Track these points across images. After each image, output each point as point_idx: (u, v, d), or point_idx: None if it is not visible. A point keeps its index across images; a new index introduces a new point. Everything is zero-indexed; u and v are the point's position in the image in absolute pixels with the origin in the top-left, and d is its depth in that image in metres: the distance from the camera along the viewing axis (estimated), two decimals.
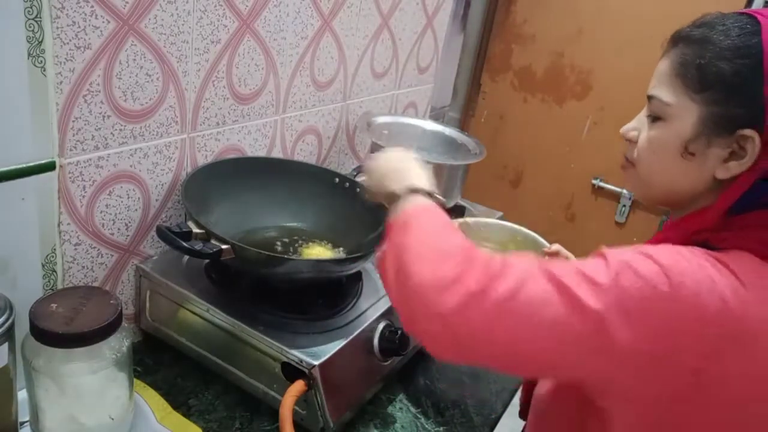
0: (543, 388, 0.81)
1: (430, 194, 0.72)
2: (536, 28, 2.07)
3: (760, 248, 0.61)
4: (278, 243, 1.02)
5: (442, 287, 0.59)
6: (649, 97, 0.68)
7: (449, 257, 0.62)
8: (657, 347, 0.56)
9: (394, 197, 0.72)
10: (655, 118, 0.68)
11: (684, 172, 0.66)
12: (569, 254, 0.95)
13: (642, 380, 0.59)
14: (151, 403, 0.85)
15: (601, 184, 2.05)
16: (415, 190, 0.71)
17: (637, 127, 0.71)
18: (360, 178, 0.83)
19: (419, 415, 0.94)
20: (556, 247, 0.96)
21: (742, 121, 0.61)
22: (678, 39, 0.66)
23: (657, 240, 0.69)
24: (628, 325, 0.56)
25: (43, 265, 0.81)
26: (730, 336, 0.56)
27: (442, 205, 0.71)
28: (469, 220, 1.07)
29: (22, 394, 0.75)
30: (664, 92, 0.66)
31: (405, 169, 0.77)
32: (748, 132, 0.61)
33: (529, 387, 0.89)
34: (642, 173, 0.71)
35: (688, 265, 0.57)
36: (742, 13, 0.64)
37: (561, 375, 0.65)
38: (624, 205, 2.03)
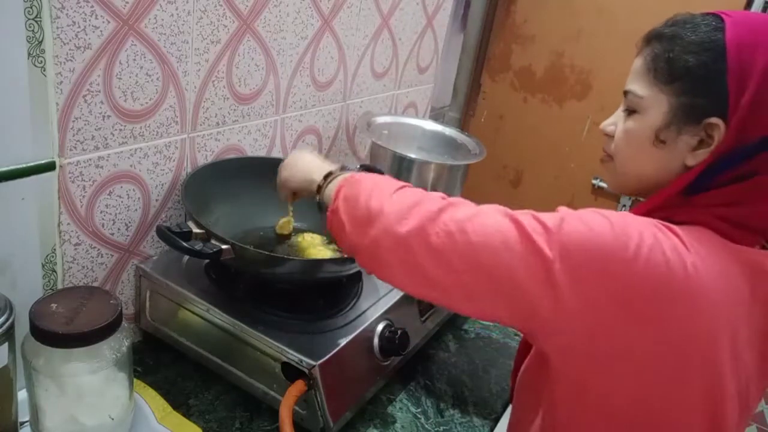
0: (522, 371, 0.83)
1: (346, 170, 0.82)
2: (536, 28, 2.06)
3: (717, 223, 0.64)
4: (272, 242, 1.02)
5: (402, 212, 0.67)
6: (625, 93, 0.73)
7: (406, 190, 0.72)
8: (590, 286, 0.59)
9: (313, 183, 0.83)
10: (630, 112, 0.72)
11: (655, 160, 0.70)
12: None
13: (577, 327, 0.61)
14: (151, 403, 0.85)
15: (601, 184, 2.05)
16: (332, 173, 0.82)
17: (615, 122, 0.76)
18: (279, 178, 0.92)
19: (419, 415, 0.94)
20: None
21: (708, 111, 0.65)
22: (651, 37, 0.71)
23: None
24: (569, 269, 0.59)
25: (43, 265, 0.81)
26: (667, 290, 0.58)
27: None
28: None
29: (22, 394, 0.75)
30: (638, 86, 0.71)
31: (313, 162, 0.87)
32: (714, 120, 0.64)
33: (516, 371, 0.90)
34: (618, 164, 0.75)
35: (635, 223, 0.61)
36: (709, 13, 0.68)
37: (503, 307, 0.65)
38: (624, 205, 2.03)
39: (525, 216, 0.64)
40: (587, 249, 0.59)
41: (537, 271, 0.60)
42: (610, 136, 0.76)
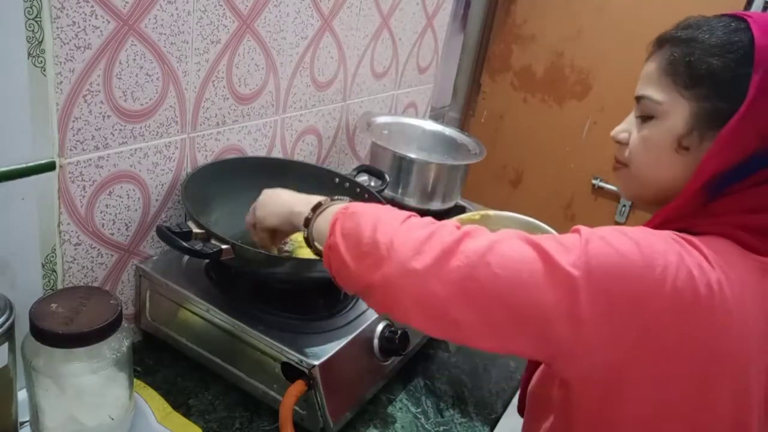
0: (534, 383, 0.82)
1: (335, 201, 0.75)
2: (536, 28, 2.06)
3: (737, 233, 0.62)
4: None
5: (416, 246, 0.61)
6: (639, 98, 0.71)
7: (413, 220, 0.65)
8: (619, 314, 0.57)
9: (298, 215, 0.75)
10: (645, 118, 0.70)
11: (677, 167, 0.68)
12: None
13: (600, 355, 0.59)
14: (151, 403, 0.85)
15: (601, 184, 2.05)
16: (321, 204, 0.74)
17: (627, 128, 0.73)
18: (248, 217, 0.86)
19: (419, 415, 0.94)
20: None
21: (731, 115, 0.62)
22: (664, 41, 0.69)
23: None
24: (595, 295, 0.57)
25: (43, 265, 0.81)
26: (693, 311, 0.57)
27: None
28: (490, 212, 1.04)
29: (22, 394, 0.75)
30: (654, 91, 0.68)
31: (293, 196, 0.81)
32: None
33: (527, 383, 0.89)
34: (635, 172, 0.72)
35: (658, 241, 0.59)
36: (723, 15, 0.66)
37: (525, 341, 0.63)
38: (624, 205, 2.03)
39: (547, 241, 0.60)
40: (614, 274, 0.57)
41: (562, 299, 0.57)
42: (623, 144, 0.73)
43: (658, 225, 0.66)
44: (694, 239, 0.60)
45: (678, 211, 0.66)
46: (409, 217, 0.67)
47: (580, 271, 0.57)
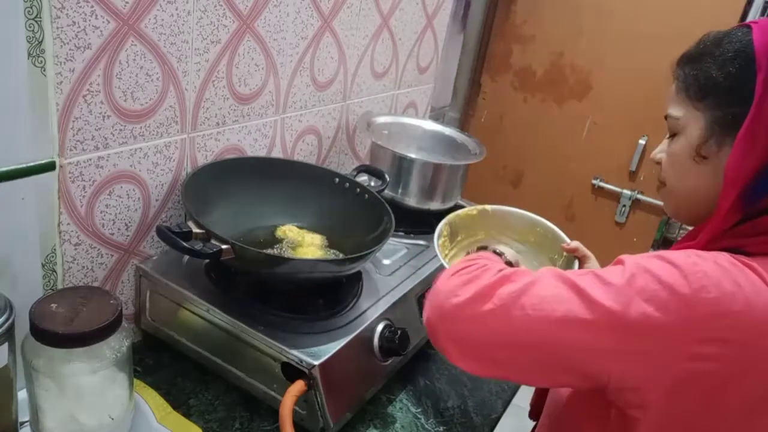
0: (562, 390, 0.81)
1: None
2: (536, 28, 2.07)
3: None
4: (273, 246, 1.02)
5: (453, 289, 0.64)
6: (665, 118, 0.73)
7: (467, 266, 0.68)
8: (673, 348, 0.57)
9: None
10: (672, 136, 0.72)
11: (700, 177, 0.69)
12: (588, 252, 0.94)
13: (659, 383, 0.58)
14: (151, 403, 0.85)
15: (601, 184, 2.05)
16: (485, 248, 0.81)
17: (663, 149, 0.75)
18: None
19: (419, 415, 0.94)
20: (575, 243, 0.94)
21: (743, 119, 0.63)
22: (680, 60, 0.72)
23: (676, 249, 0.69)
24: (634, 325, 0.56)
25: (43, 265, 0.81)
26: (753, 340, 0.56)
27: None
28: (488, 207, 1.04)
29: (22, 394, 0.75)
30: (674, 109, 0.71)
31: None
32: None
33: (543, 390, 0.89)
34: (670, 189, 0.74)
35: (710, 268, 0.58)
36: (736, 26, 0.68)
37: (571, 379, 0.64)
38: (624, 205, 2.03)
39: (585, 278, 0.60)
40: (660, 309, 0.56)
41: (606, 338, 0.57)
42: (660, 164, 0.75)
43: (705, 245, 0.66)
44: (753, 263, 0.59)
45: (720, 228, 0.65)
46: (480, 267, 0.67)
47: (622, 306, 0.57)
